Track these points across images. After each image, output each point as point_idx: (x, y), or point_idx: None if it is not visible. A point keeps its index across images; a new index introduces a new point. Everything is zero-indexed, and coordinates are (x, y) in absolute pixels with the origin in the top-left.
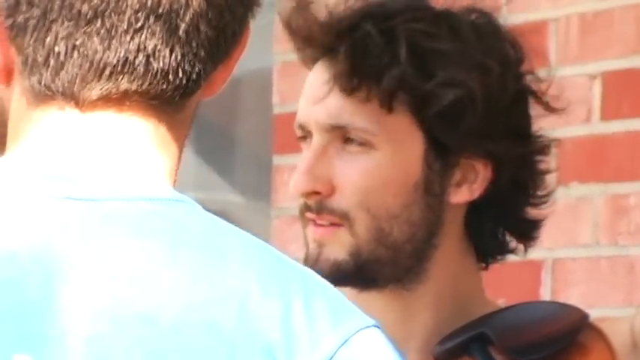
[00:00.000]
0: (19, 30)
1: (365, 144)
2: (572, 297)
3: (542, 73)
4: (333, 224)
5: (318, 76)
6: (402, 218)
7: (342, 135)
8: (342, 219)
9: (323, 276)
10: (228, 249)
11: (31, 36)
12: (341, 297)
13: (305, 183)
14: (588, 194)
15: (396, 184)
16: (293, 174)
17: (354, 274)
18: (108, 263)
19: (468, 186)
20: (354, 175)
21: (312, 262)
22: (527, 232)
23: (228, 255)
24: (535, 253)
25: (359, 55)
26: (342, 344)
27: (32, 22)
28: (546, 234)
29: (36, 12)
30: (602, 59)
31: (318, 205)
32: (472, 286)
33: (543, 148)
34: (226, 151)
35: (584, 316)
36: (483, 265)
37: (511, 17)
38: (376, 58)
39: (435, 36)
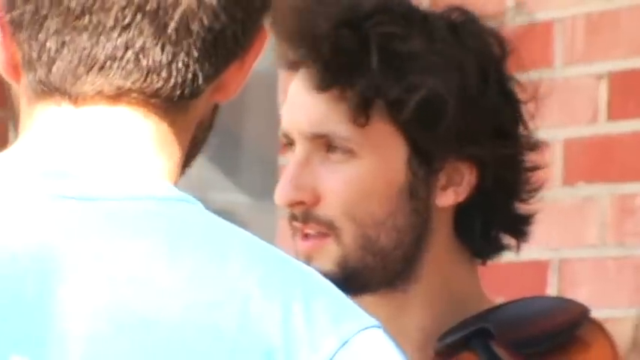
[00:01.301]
0: (16, 26)
1: (348, 152)
2: (579, 297)
3: (544, 73)
4: (320, 233)
5: (299, 85)
6: (388, 225)
7: (324, 144)
8: (329, 228)
9: None
10: (229, 249)
11: (26, 32)
12: (343, 298)
13: (289, 193)
14: (595, 194)
15: (380, 191)
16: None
17: (343, 283)
18: (107, 263)
19: (454, 189)
20: (338, 185)
21: None
22: (518, 228)
23: (229, 256)
24: (541, 253)
25: (333, 58)
26: (342, 345)
27: (27, 17)
28: (553, 234)
29: (29, 7)
30: (608, 59)
31: (303, 215)
32: (466, 285)
33: (529, 147)
34: (232, 150)
35: (584, 310)
36: (480, 262)
37: (517, 17)
38: (349, 62)
39: (406, 38)
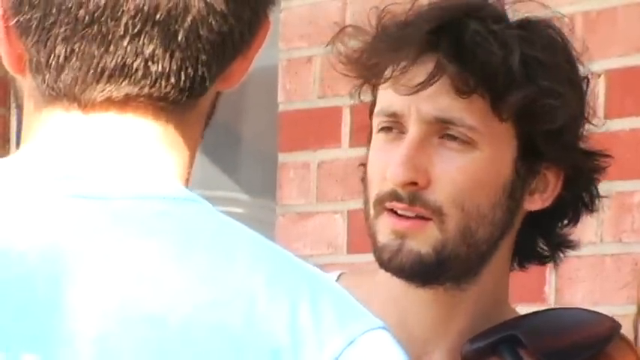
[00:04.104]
0: (23, 30)
1: (467, 142)
2: (577, 295)
3: None
4: (419, 217)
5: (422, 69)
6: (488, 219)
7: (441, 129)
8: (434, 213)
9: (404, 268)
10: (237, 249)
11: (33, 37)
12: (349, 298)
13: (405, 172)
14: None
15: (489, 184)
16: (298, 171)
17: (434, 268)
18: (116, 262)
19: (539, 195)
20: (453, 172)
21: (392, 252)
22: (565, 246)
23: (237, 256)
24: None
25: (473, 56)
26: (348, 345)
27: (34, 23)
28: None
29: (37, 13)
30: (605, 57)
31: (411, 196)
32: (505, 292)
33: (603, 167)
34: (232, 148)
35: (615, 326)
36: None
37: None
38: (491, 62)
39: (536, 45)
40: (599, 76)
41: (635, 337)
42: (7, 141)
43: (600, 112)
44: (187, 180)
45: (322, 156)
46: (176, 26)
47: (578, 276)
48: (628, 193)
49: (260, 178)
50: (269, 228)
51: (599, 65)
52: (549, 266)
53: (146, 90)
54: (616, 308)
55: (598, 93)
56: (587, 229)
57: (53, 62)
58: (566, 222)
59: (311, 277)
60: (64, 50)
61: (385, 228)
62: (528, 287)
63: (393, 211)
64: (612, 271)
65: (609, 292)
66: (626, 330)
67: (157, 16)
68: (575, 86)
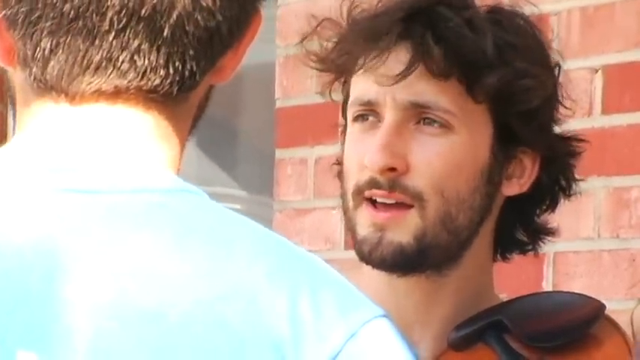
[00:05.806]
0: (10, 23)
1: (444, 126)
2: (574, 290)
3: None
4: (399, 204)
5: (397, 58)
6: (467, 204)
7: (418, 114)
8: (414, 199)
9: (385, 260)
10: (236, 241)
11: (20, 30)
12: (350, 288)
13: (384, 158)
14: (590, 188)
15: (468, 169)
16: (296, 167)
17: (415, 258)
18: (111, 257)
19: (517, 180)
20: (432, 156)
21: (372, 245)
22: (543, 234)
23: (236, 248)
24: None
25: (447, 41)
26: (350, 337)
27: (20, 16)
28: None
29: (23, 7)
30: (603, 53)
31: (390, 183)
32: (488, 279)
33: (579, 151)
34: (229, 145)
35: (600, 307)
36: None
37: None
38: (464, 46)
39: (509, 30)
40: (597, 71)
41: (633, 332)
42: (5, 137)
43: (598, 107)
44: (178, 171)
45: (319, 152)
46: (162, 22)
47: (575, 272)
48: (626, 189)
49: (257, 175)
50: (266, 224)
51: (597, 61)
52: (547, 262)
53: (135, 83)
54: (613, 304)
55: (596, 88)
56: (584, 225)
57: (39, 55)
58: (544, 207)
59: (312, 269)
60: (49, 43)
61: (365, 220)
62: (526, 283)
63: (371, 202)
64: (610, 267)
65: (606, 288)
66: (622, 326)
67: (142, 12)
68: (548, 69)
